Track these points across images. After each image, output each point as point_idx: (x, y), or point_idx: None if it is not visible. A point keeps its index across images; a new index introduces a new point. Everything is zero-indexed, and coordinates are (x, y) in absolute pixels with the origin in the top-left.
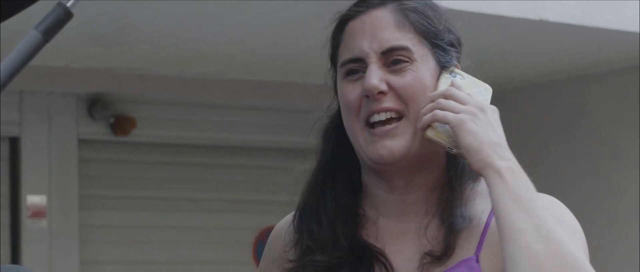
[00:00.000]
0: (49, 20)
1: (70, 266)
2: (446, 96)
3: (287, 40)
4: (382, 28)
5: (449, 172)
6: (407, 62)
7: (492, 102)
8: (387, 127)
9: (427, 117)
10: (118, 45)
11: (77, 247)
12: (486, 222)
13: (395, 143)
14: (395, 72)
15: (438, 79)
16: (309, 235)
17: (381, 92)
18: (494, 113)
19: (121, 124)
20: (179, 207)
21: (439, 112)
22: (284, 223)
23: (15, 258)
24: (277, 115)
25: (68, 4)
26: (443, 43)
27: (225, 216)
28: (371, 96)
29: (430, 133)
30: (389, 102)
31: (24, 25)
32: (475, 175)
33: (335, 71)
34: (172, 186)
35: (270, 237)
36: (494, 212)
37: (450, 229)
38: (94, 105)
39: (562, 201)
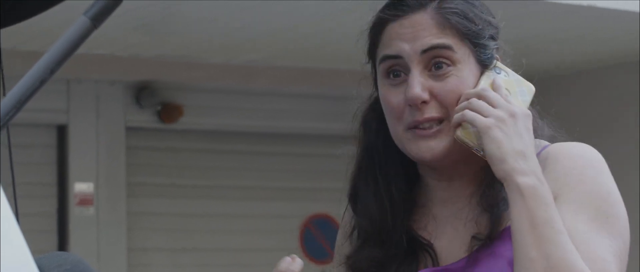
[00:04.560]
0: (97, 7)
1: (118, 253)
2: (479, 96)
3: (335, 27)
4: (423, 29)
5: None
6: (450, 65)
7: (544, 89)
8: (430, 131)
9: (457, 117)
10: (165, 33)
11: (125, 234)
12: None
13: (436, 144)
14: (437, 77)
15: (479, 77)
16: (364, 229)
17: (424, 102)
18: (526, 119)
19: (168, 112)
20: (225, 194)
21: (468, 114)
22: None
23: (62, 245)
24: (324, 102)
25: None
26: (484, 40)
27: (272, 204)
28: (414, 106)
29: (459, 133)
30: (431, 112)
31: (69, 14)
32: None
33: (374, 66)
34: (219, 174)
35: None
36: (511, 231)
37: (494, 212)
38: (141, 93)
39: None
